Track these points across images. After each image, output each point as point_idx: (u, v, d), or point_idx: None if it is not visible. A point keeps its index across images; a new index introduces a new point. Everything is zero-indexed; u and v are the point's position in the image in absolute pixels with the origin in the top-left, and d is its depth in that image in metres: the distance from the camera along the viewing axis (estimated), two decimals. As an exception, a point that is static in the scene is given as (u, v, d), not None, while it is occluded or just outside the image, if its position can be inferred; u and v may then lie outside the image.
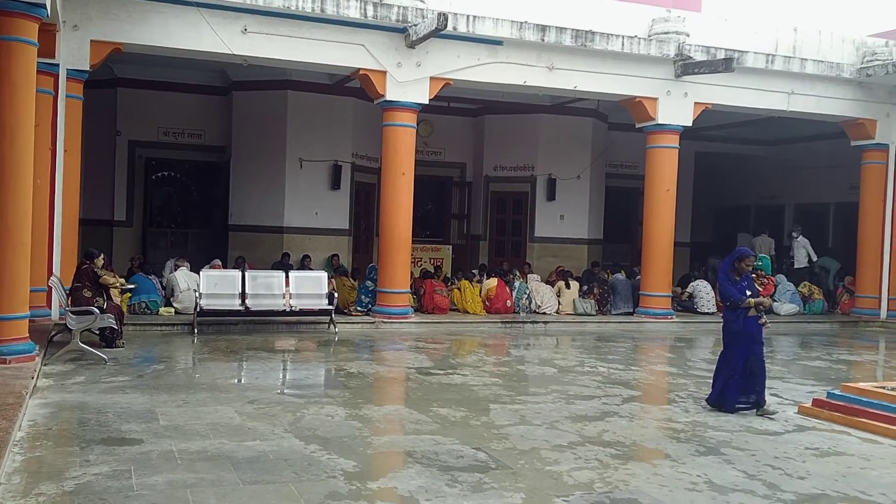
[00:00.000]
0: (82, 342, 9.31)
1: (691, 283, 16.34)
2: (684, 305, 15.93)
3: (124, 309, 11.48)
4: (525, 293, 14.90)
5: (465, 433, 6.54)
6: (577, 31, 13.43)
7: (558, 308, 14.99)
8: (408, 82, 12.91)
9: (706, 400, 7.88)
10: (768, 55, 14.76)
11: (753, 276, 8.26)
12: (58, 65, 11.15)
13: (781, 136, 20.89)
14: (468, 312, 14.40)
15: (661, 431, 6.95)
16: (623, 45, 13.72)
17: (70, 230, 11.58)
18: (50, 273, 10.75)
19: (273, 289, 12.25)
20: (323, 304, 12.27)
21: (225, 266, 14.41)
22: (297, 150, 16.10)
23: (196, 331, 11.62)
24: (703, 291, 16.02)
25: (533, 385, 8.93)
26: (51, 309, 11.19)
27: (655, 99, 14.42)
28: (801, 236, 18.05)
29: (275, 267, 14.32)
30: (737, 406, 7.62)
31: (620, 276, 16.01)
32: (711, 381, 8.00)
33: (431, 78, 13.07)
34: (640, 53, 13.89)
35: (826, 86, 15.41)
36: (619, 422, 7.17)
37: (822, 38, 15.52)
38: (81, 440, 5.96)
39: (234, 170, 16.61)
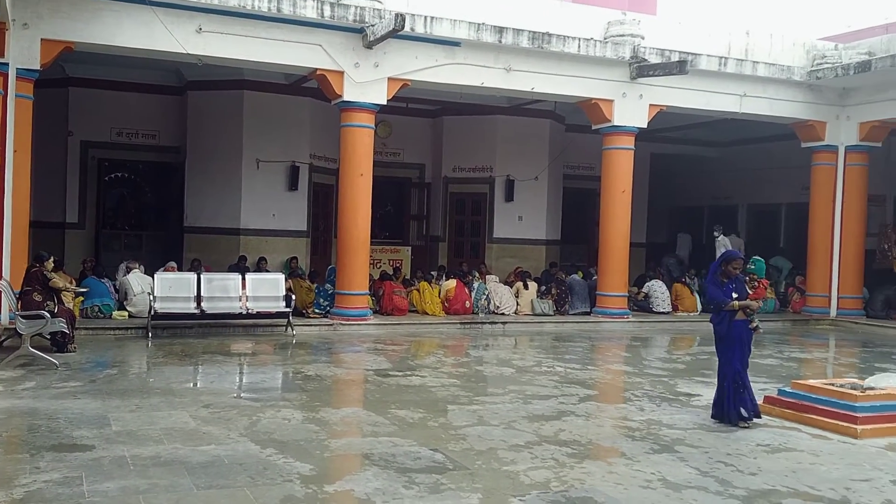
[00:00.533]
0: (33, 347, 9.13)
1: (647, 283, 16.55)
2: (640, 305, 16.13)
3: (76, 313, 11.26)
4: (484, 294, 14.96)
5: (423, 434, 6.54)
6: (534, 32, 13.53)
7: (516, 308, 15.07)
8: (365, 83, 12.88)
9: (711, 416, 7.41)
10: (721, 58, 15.02)
11: (746, 279, 7.86)
12: (7, 64, 10.91)
13: (734, 137, 21.26)
14: (427, 313, 14.40)
15: (617, 430, 7.02)
16: (579, 47, 13.85)
17: (20, 233, 11.32)
18: (-1, 276, 10.52)
19: (229, 291, 12.12)
20: (280, 306, 12.17)
21: (180, 268, 14.22)
22: (254, 151, 15.96)
23: (150, 335, 11.45)
24: (659, 291, 16.24)
25: (491, 385, 8.96)
26: (0, 313, 10.93)
27: (611, 101, 14.58)
28: (722, 235, 18.07)
29: (231, 270, 14.17)
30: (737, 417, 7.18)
31: (577, 276, 16.16)
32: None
33: (389, 78, 13.05)
34: (596, 55, 14.03)
35: (777, 88, 15.72)
36: (576, 421, 7.23)
37: (774, 41, 15.83)
38: (31, 447, 5.84)
39: (189, 171, 16.40)
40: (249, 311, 12.02)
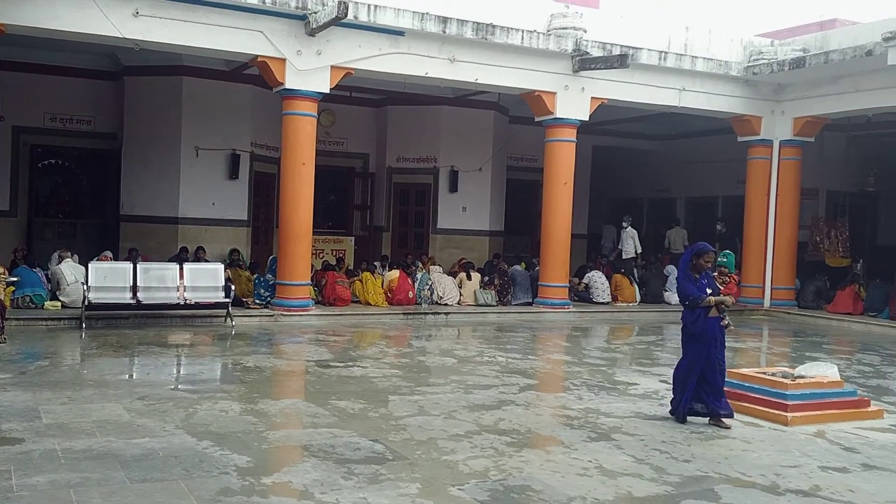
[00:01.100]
0: (-41, 338, 8.82)
1: (588, 274, 16.76)
2: (581, 296, 16.33)
3: (7, 303, 10.91)
4: (427, 284, 14.96)
5: (363, 425, 6.52)
6: (478, 23, 13.54)
7: (460, 299, 15.11)
8: (308, 71, 12.74)
9: (670, 412, 7.15)
10: (661, 52, 15.25)
11: (715, 273, 7.73)
12: (-68, 45, 10.51)
13: (673, 131, 21.65)
14: (370, 304, 14.35)
15: (556, 419, 7.10)
16: (523, 39, 13.91)
17: (-54, 220, 10.93)
18: (-77, 266, 10.13)
19: (166, 281, 11.89)
20: (219, 296, 11.99)
21: (116, 258, 13.89)
22: (193, 139, 15.66)
23: (84, 325, 11.17)
24: (599, 282, 16.46)
25: (433, 376, 8.98)
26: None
27: (554, 93, 14.69)
28: (630, 227, 18.23)
29: (172, 261, 13.89)
30: (689, 413, 6.98)
31: (519, 267, 16.29)
32: (672, 391, 7.24)
33: (332, 67, 12.93)
34: (539, 48, 14.11)
35: (715, 83, 16.04)
36: (516, 410, 7.29)
37: (712, 36, 16.13)
38: (-45, 442, 5.65)
39: (125, 158, 16.01)
40: (187, 301, 11.83)
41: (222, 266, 12.75)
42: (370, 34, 13.04)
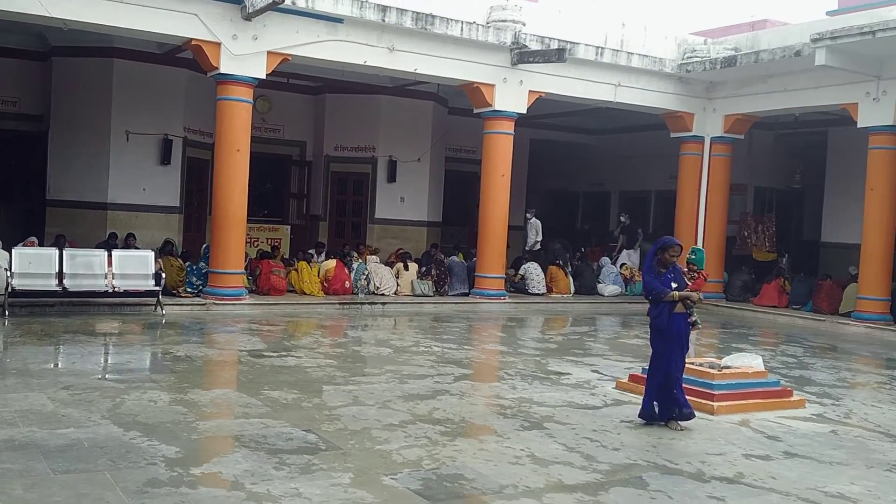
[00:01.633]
0: None
1: (523, 266, 16.92)
2: (517, 287, 16.47)
3: (-77, 289, 10.49)
4: (364, 274, 14.89)
5: (296, 415, 6.46)
6: (418, 13, 13.50)
7: (397, 289, 15.08)
8: (244, 56, 12.51)
9: (638, 415, 6.84)
10: (598, 48, 15.44)
11: (685, 269, 7.08)
12: None
13: (609, 126, 21.95)
14: (305, 294, 14.21)
15: (489, 408, 7.16)
16: (462, 30, 13.92)
17: None
18: None
19: (94, 268, 11.57)
20: (149, 284, 11.72)
21: (42, 244, 13.46)
22: (124, 122, 15.25)
23: (6, 313, 10.79)
24: (535, 273, 16.63)
25: (368, 366, 8.95)
26: None
27: (492, 85, 14.75)
28: (534, 218, 18.27)
29: (100, 247, 13.53)
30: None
31: (457, 258, 16.35)
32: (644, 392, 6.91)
33: (269, 52, 12.73)
34: (478, 40, 14.14)
35: (650, 79, 16.32)
36: (450, 400, 7.32)
37: (648, 33, 16.40)
38: None
39: (52, 141, 15.50)
40: (116, 289, 11.53)
41: (152, 253, 12.45)
42: (308, 20, 12.88)
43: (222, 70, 12.45)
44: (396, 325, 12.84)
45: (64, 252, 11.62)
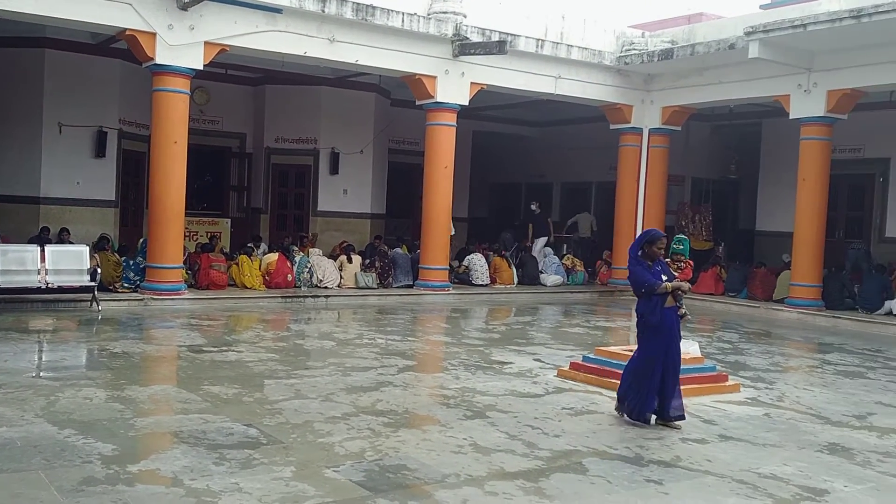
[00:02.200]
0: None
1: (467, 257, 16.99)
2: (461, 278, 16.53)
3: None
4: (306, 267, 14.76)
5: (237, 410, 6.39)
6: (358, 4, 13.41)
7: (340, 282, 15.00)
8: (180, 46, 12.26)
9: (628, 415, 6.54)
10: (538, 40, 15.54)
11: (668, 260, 6.83)
12: None
13: (550, 118, 22.15)
14: (247, 288, 14.03)
15: (433, 398, 7.19)
16: (403, 21, 13.88)
17: None
18: None
19: (26, 264, 11.22)
20: (84, 280, 11.43)
21: (-30, 240, 13.01)
22: (56, 114, 14.83)
23: (-66, 311, 10.45)
24: (479, 265, 16.71)
25: (311, 359, 8.89)
26: None
27: (434, 77, 14.74)
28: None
29: (32, 242, 13.13)
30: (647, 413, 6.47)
31: (400, 250, 16.33)
32: (622, 391, 6.65)
33: (206, 43, 12.50)
34: (419, 31, 14.12)
35: (589, 72, 16.50)
36: (394, 391, 7.32)
37: (587, 26, 16.57)
38: None
39: (-20, 133, 15.00)
40: (49, 285, 11.22)
41: (87, 248, 12.15)
42: (246, 10, 12.68)
43: (158, 61, 12.19)
44: (340, 317, 12.77)
45: (-6, 248, 11.27)
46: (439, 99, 14.87)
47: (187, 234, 14.96)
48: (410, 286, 15.49)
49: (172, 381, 7.79)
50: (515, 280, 17.07)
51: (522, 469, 5.26)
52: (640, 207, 17.55)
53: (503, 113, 21.38)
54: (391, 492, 4.74)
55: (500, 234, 19.61)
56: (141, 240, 13.82)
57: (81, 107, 15.02)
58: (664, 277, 6.42)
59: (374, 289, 15.05)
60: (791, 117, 14.86)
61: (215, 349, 9.05)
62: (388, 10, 13.71)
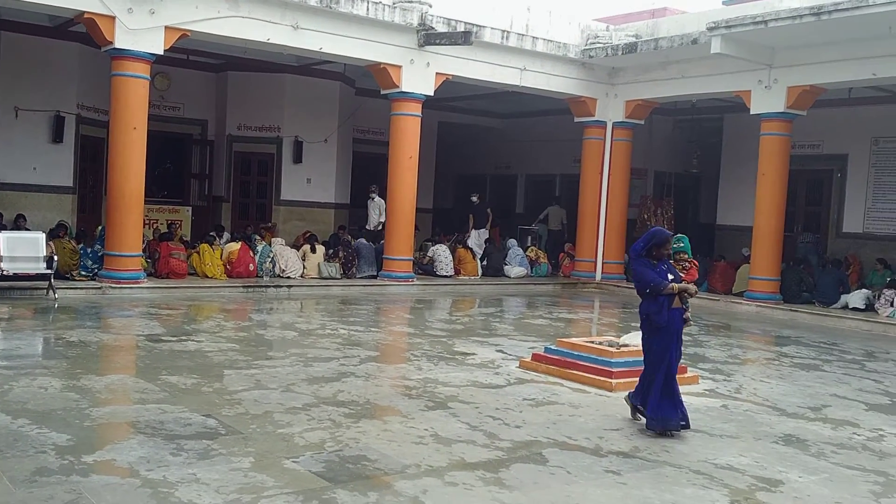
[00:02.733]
0: None
1: (431, 248, 16.97)
2: (425, 269, 16.51)
3: None
4: (269, 257, 14.63)
5: (196, 400, 6.32)
6: (323, -9, 13.29)
7: (303, 272, 14.88)
8: (140, 30, 12.04)
9: (647, 426, 6.18)
10: (504, 31, 15.53)
11: (670, 260, 6.53)
12: None
13: (515, 110, 22.17)
14: (208, 277, 13.86)
15: (395, 389, 7.17)
16: (368, 10, 13.78)
17: None
18: None
19: (-20, 251, 10.99)
20: (40, 268, 11.21)
21: (-79, 225, 12.69)
22: (12, 98, 14.49)
23: None
24: (443, 255, 16.71)
25: (272, 349, 8.82)
26: None
27: (399, 67, 14.66)
28: (377, 196, 17.31)
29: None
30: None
31: (364, 240, 16.25)
32: (637, 396, 6.39)
33: (166, 27, 12.29)
34: (384, 20, 14.02)
35: (554, 64, 16.54)
36: (355, 382, 7.29)
37: (553, 18, 16.60)
38: None
39: (-66, 117, 14.61)
40: (4, 272, 10.98)
41: (43, 235, 11.91)
42: (208, -5, 12.51)
43: (117, 45, 11.96)
44: (303, 308, 12.69)
45: (-54, 234, 11.00)
46: (404, 89, 14.80)
47: (147, 221, 14.76)
48: (374, 277, 15.43)
49: (130, 370, 7.67)
50: (480, 271, 17.10)
51: (483, 460, 5.27)
52: (603, 200, 17.66)
53: (468, 104, 21.36)
54: (351, 482, 4.72)
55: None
56: (99, 227, 13.59)
57: (38, 91, 14.70)
58: (670, 277, 6.17)
59: (338, 279, 14.97)
60: (752, 113, 15.04)
61: (174, 339, 8.92)
62: (354, -2, 13.61)
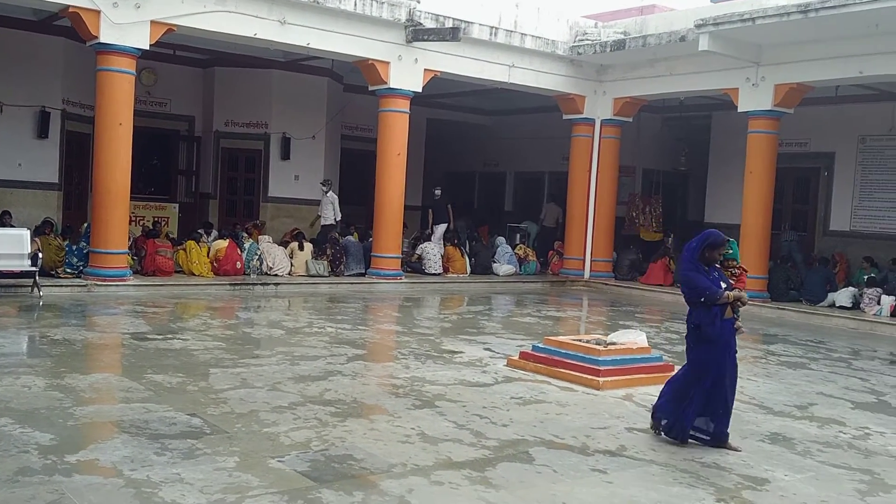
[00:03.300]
0: None
1: (420, 246, 16.94)
2: (413, 267, 16.48)
3: None
4: (256, 254, 14.56)
5: (181, 399, 6.27)
6: (311, -14, 13.22)
7: (291, 269, 14.82)
8: (125, 24, 11.95)
9: (666, 434, 5.94)
10: (492, 28, 15.50)
11: (718, 265, 5.94)
12: None
13: (504, 107, 22.15)
14: (195, 274, 13.78)
15: (382, 388, 7.14)
16: (356, 5, 13.72)
17: None
18: None
19: (-36, 248, 10.88)
20: (25, 265, 11.11)
21: None
22: (-4, 93, 14.39)
23: None
24: (432, 253, 16.68)
25: (258, 348, 8.77)
26: None
27: (387, 63, 14.61)
28: (330, 191, 16.85)
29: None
30: (691, 433, 5.86)
31: (352, 238, 16.20)
32: (659, 403, 6.08)
33: (152, 22, 12.19)
34: (372, 15, 13.97)
35: (543, 61, 16.52)
36: (342, 380, 7.25)
37: (541, 15, 16.57)
38: None
39: (-84, 112, 14.47)
40: (-12, 270, 10.89)
41: (28, 231, 11.81)
42: (195, -11, 12.42)
43: (102, 39, 11.86)
44: (290, 306, 12.63)
45: (-72, 230, 10.88)
46: (392, 85, 14.75)
47: (133, 218, 14.67)
48: (362, 274, 15.38)
49: (115, 369, 7.61)
50: (468, 269, 17.08)
51: (469, 458, 5.25)
52: (591, 198, 17.66)
53: (457, 101, 21.32)
54: (336, 482, 4.69)
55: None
56: (85, 224, 13.49)
57: (23, 86, 14.59)
58: (724, 284, 5.75)
59: (326, 277, 14.92)
60: (739, 110, 15.07)
61: (160, 337, 8.86)
62: (342, -7, 13.55)
